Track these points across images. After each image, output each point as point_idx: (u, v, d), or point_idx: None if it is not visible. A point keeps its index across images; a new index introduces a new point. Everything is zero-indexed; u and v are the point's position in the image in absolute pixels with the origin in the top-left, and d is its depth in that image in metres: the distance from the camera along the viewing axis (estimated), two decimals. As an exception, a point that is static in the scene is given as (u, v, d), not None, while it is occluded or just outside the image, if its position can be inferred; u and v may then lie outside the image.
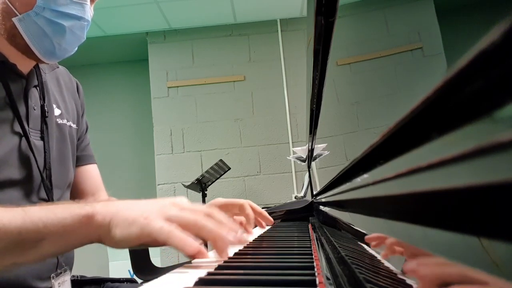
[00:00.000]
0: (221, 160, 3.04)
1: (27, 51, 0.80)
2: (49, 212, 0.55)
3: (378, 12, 0.36)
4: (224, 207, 0.86)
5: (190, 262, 0.55)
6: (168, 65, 3.67)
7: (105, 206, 0.56)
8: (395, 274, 0.25)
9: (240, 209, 0.87)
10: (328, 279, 0.38)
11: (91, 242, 0.56)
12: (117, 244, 0.53)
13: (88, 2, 0.82)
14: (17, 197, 0.77)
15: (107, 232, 0.54)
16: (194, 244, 0.50)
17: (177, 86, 3.65)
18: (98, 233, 0.54)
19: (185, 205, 0.57)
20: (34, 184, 0.81)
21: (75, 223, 0.54)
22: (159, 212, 0.53)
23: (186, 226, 0.52)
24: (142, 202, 0.57)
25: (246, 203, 0.88)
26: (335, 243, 0.53)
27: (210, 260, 0.54)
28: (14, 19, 0.76)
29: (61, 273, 0.83)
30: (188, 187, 2.98)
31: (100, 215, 0.54)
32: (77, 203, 0.58)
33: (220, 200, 0.87)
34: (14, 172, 0.77)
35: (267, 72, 3.63)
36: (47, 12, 0.77)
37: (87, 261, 1.81)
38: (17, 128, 0.79)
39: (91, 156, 1.05)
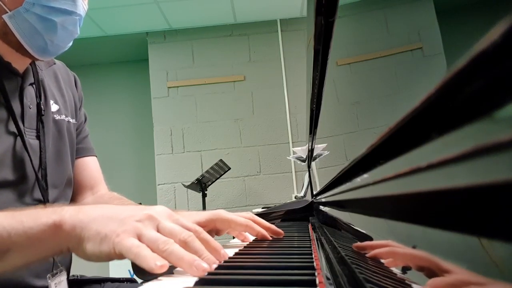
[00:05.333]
0: (221, 160, 3.04)
1: (20, 49, 0.78)
2: (14, 221, 0.51)
3: (378, 12, 0.36)
4: (226, 223, 0.72)
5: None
6: (168, 65, 3.68)
7: (75, 214, 0.51)
8: (395, 274, 0.25)
9: (248, 230, 0.74)
10: (328, 279, 0.38)
11: (61, 252, 0.53)
12: (88, 258, 0.50)
13: None
14: (11, 198, 0.76)
15: (78, 244, 0.50)
16: (158, 265, 0.44)
17: (177, 86, 3.65)
18: (67, 244, 0.51)
19: (163, 221, 0.51)
20: (28, 184, 0.79)
21: (41, 233, 0.51)
22: (133, 228, 0.49)
23: (156, 250, 0.47)
24: (119, 212, 0.52)
25: (252, 224, 0.74)
26: (335, 243, 0.53)
27: None
28: (4, 16, 0.75)
29: (57, 273, 0.81)
30: (188, 187, 2.98)
31: (69, 224, 0.50)
32: (45, 210, 0.53)
33: (223, 215, 0.72)
34: (8, 173, 0.76)
35: (267, 72, 3.63)
36: (37, 8, 0.75)
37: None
38: (12, 127, 0.77)
39: (89, 149, 1.02)
